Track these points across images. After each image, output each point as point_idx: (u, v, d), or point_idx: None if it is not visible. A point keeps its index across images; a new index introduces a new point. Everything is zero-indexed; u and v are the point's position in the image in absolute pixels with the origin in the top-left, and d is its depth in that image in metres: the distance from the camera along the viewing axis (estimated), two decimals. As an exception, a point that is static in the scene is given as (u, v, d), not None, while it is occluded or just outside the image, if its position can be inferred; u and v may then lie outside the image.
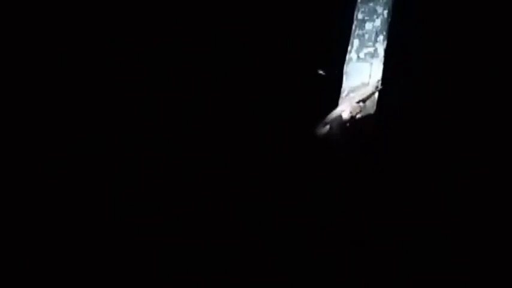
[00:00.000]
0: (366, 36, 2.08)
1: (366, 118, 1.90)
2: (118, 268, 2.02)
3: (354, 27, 2.13)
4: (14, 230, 2.08)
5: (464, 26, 2.16)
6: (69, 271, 2.02)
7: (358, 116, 1.90)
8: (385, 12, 2.07)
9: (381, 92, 1.98)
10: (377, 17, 2.07)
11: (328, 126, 1.93)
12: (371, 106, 1.94)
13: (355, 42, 2.10)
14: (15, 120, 2.30)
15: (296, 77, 2.40)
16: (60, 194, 2.17)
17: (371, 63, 2.04)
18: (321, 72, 2.30)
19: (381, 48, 2.04)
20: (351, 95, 1.97)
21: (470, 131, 2.04)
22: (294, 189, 2.08)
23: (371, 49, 2.05)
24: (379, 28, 2.05)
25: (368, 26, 2.08)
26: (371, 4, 2.10)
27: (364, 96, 1.96)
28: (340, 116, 1.92)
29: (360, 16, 2.12)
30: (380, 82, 1.97)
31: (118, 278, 2.00)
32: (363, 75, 2.04)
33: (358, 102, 1.93)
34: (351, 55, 2.09)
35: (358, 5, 2.13)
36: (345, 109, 1.92)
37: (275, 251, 1.99)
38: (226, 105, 2.36)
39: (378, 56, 2.04)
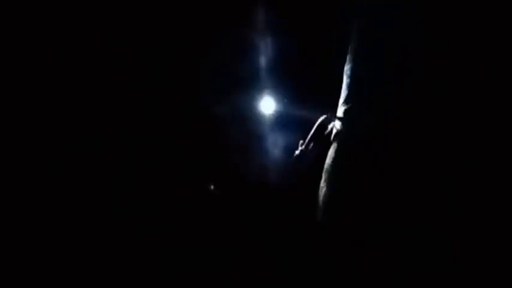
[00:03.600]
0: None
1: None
2: (118, 268, 2.03)
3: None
4: (14, 230, 2.09)
5: (464, 26, 2.15)
6: (69, 271, 2.02)
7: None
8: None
9: (381, 93, 1.98)
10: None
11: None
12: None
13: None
14: (15, 120, 2.30)
15: (296, 77, 2.40)
16: (60, 193, 2.18)
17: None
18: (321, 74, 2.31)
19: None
20: None
21: (470, 131, 2.04)
22: (294, 190, 2.08)
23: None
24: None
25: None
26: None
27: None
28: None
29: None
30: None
31: (118, 277, 2.01)
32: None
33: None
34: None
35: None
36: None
37: (275, 251, 1.99)
38: (224, 105, 2.36)
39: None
